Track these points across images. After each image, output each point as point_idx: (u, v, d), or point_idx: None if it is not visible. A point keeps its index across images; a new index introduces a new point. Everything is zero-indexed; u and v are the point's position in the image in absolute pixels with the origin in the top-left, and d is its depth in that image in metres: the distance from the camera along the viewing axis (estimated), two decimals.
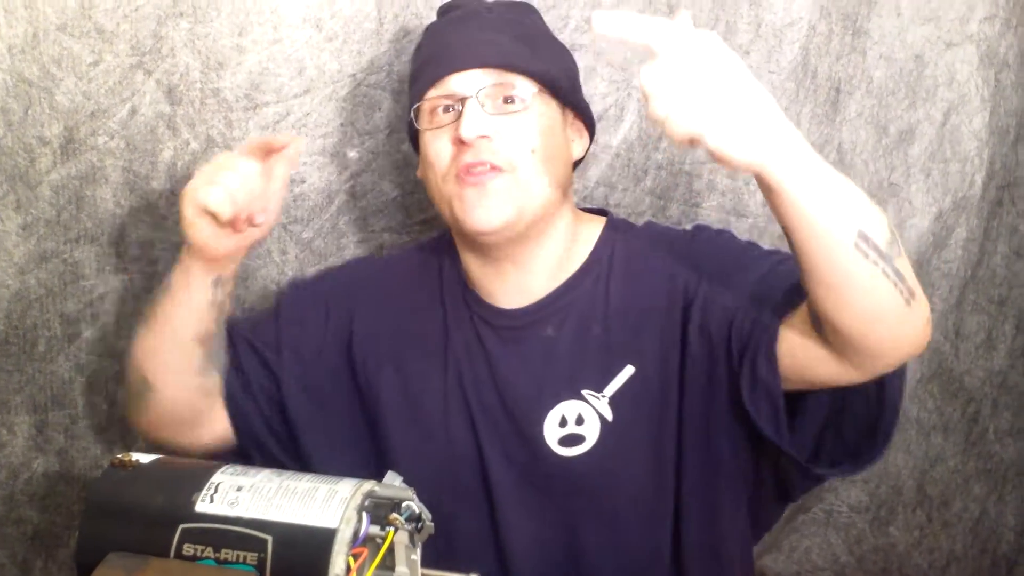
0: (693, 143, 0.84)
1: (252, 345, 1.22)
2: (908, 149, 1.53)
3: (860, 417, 1.06)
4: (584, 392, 1.13)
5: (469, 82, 1.11)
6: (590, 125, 1.21)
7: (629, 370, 1.12)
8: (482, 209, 1.09)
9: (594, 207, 1.27)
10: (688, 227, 1.23)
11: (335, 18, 1.34)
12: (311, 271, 1.38)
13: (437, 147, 1.12)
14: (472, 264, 1.18)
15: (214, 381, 1.18)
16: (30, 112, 1.26)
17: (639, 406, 1.12)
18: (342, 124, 1.37)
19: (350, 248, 1.40)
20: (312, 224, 1.38)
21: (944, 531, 1.64)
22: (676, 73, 0.83)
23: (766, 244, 1.50)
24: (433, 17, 1.37)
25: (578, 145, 1.19)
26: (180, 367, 1.14)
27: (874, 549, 1.62)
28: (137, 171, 1.31)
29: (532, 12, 1.24)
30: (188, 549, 0.86)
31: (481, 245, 1.14)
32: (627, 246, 1.18)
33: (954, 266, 1.56)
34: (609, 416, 1.12)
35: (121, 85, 1.29)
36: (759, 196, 1.48)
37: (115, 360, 1.35)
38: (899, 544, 1.63)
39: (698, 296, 1.10)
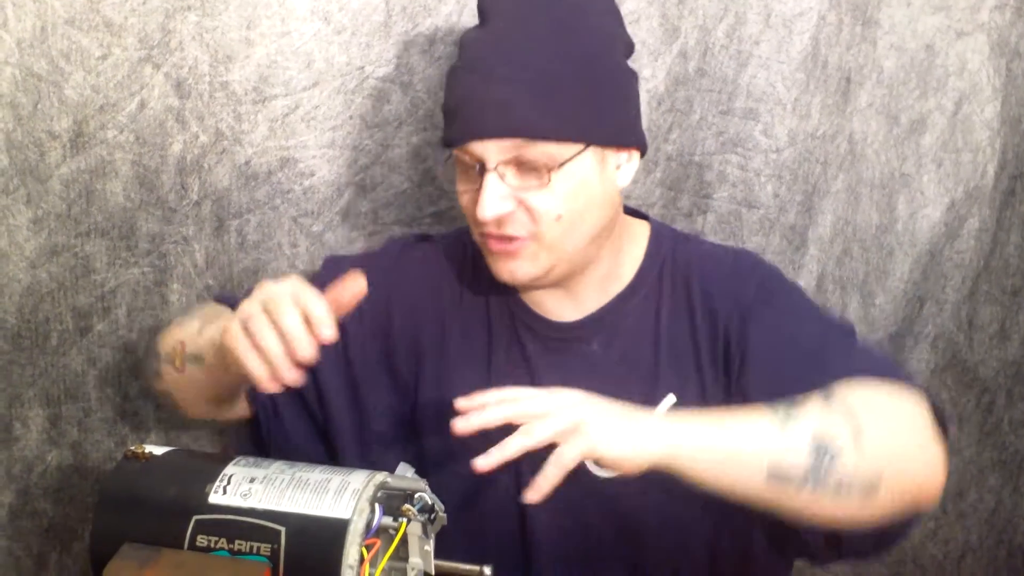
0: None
1: None
2: (919, 139, 1.52)
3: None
4: None
5: (488, 152, 1.01)
6: (641, 144, 1.10)
7: (671, 399, 1.08)
8: (509, 267, 1.06)
9: (629, 207, 1.20)
10: (733, 245, 1.21)
11: (343, 11, 1.34)
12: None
13: (465, 200, 1.07)
14: None
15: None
16: (39, 106, 1.26)
17: None
18: (351, 117, 1.36)
19: (360, 241, 1.40)
20: (322, 217, 1.38)
21: (959, 522, 1.63)
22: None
23: (776, 236, 1.49)
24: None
25: (626, 169, 1.09)
26: (207, 402, 1.14)
27: None
28: (147, 165, 1.31)
29: (581, 13, 1.06)
30: (202, 540, 0.86)
31: None
32: (676, 265, 1.13)
33: (967, 256, 1.55)
34: None
35: (130, 79, 1.29)
36: (770, 188, 1.47)
37: (128, 353, 1.36)
38: (914, 535, 1.62)
39: (732, 341, 1.07)
